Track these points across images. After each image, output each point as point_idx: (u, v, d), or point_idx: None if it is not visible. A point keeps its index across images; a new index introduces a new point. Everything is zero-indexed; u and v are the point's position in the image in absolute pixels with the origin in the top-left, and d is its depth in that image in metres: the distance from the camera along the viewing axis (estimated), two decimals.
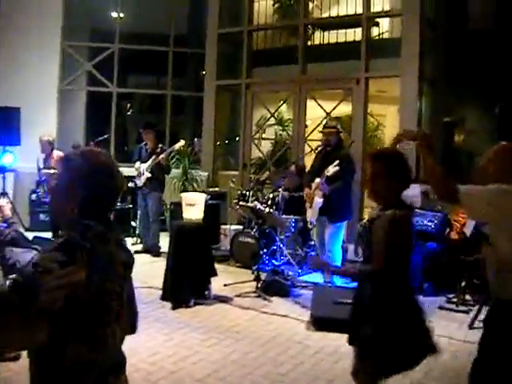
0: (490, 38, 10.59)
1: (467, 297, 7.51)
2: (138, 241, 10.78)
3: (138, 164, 10.21)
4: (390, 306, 3.33)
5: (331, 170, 7.73)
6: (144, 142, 10.40)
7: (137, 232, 11.01)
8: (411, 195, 8.05)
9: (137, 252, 9.67)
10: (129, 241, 10.31)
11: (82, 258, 1.98)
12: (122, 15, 14.11)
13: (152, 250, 10.03)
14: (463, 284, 7.50)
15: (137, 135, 13.55)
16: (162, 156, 9.95)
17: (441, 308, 7.33)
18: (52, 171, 9.81)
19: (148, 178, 10.05)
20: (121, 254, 2.23)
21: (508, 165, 3.27)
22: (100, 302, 2.09)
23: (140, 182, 10.14)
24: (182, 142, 10.29)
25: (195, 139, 13.74)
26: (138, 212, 10.69)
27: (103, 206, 2.24)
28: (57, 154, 10.07)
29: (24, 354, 2.11)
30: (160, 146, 10.28)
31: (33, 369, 2.12)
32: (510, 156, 3.32)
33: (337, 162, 7.67)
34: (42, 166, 10.18)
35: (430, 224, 8.21)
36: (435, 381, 5.11)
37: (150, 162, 10.04)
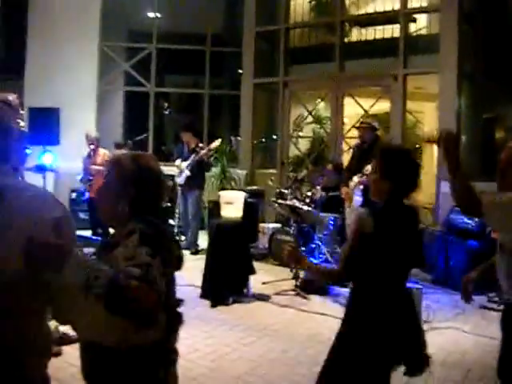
0: None
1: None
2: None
3: (178, 161, 10.29)
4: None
5: (370, 168, 7.69)
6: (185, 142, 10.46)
7: (175, 230, 11.06)
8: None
9: None
10: None
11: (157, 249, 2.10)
12: (158, 15, 14.20)
13: (190, 247, 10.07)
14: None
15: (174, 135, 13.62)
16: (203, 151, 10.00)
17: (482, 307, 7.21)
18: (100, 167, 9.72)
19: (188, 177, 10.11)
20: (176, 249, 2.38)
21: None
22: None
23: (181, 179, 10.19)
24: (218, 141, 10.31)
25: (232, 138, 13.77)
26: (177, 210, 10.73)
27: (151, 206, 2.41)
28: (103, 152, 10.16)
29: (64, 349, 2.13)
30: (200, 145, 10.33)
31: (88, 354, 2.24)
32: None
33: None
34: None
35: (470, 222, 8.10)
36: (475, 381, 5.04)
37: (189, 161, 10.10)
